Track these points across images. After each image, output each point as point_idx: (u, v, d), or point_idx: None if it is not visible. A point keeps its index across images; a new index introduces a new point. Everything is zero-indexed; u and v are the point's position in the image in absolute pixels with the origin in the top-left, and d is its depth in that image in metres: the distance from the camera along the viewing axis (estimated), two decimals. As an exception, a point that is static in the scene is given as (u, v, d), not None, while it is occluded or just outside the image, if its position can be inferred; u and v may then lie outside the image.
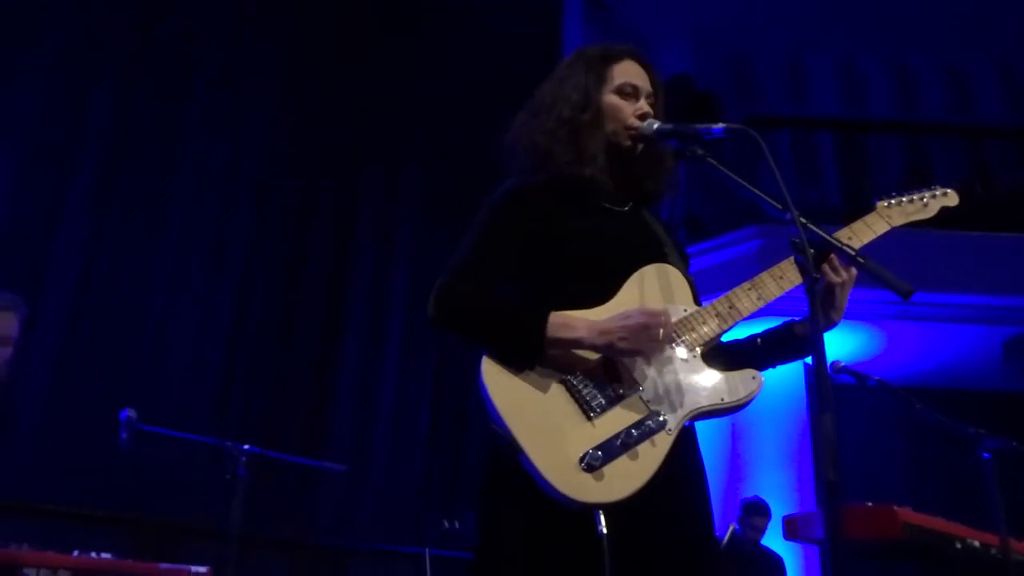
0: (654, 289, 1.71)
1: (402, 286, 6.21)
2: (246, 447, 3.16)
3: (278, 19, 6.13)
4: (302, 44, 6.20)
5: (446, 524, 4.20)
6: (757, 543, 5.01)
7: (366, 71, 6.42)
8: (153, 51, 5.51)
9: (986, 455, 2.67)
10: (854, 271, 1.66)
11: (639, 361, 1.61)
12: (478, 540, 1.62)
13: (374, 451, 5.80)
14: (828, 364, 2.96)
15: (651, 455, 1.54)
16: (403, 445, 5.91)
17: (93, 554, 2.87)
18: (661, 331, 1.57)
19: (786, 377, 6.18)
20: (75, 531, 4.28)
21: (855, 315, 6.09)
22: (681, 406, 1.60)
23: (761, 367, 1.71)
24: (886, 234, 1.84)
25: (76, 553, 2.86)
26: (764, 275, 1.75)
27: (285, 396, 5.55)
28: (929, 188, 1.90)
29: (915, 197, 1.88)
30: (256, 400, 5.41)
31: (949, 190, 1.90)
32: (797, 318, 1.78)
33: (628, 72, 1.84)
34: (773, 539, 4.71)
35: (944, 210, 1.90)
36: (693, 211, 7.00)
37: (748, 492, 5.45)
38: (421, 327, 5.92)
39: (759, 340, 1.80)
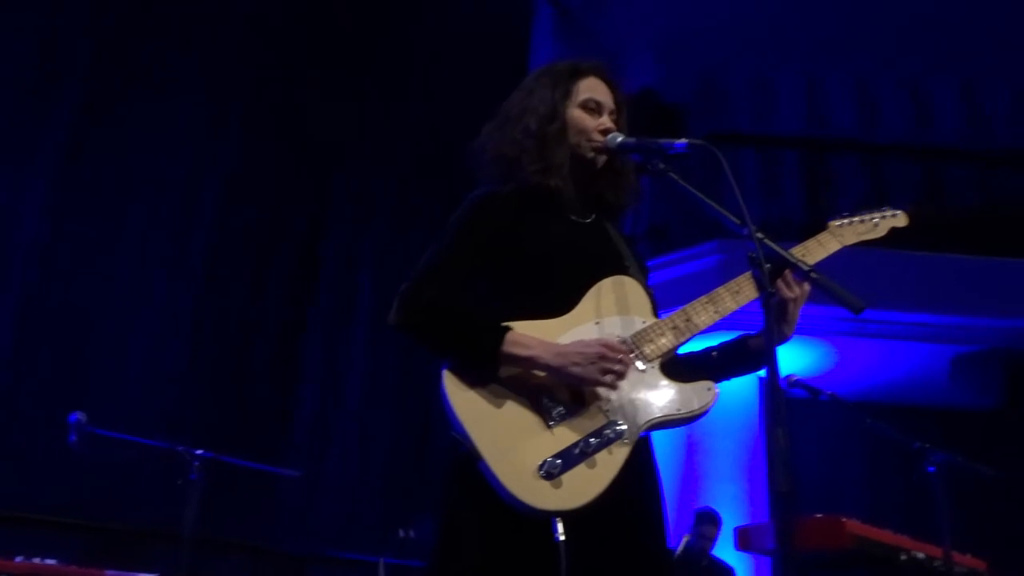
0: (613, 301, 1.74)
1: (368, 291, 6.17)
2: (199, 452, 3.12)
3: (248, 33, 6.06)
4: (272, 53, 6.14)
5: (402, 532, 4.18)
6: (707, 553, 5.07)
7: (335, 76, 6.38)
8: (120, 51, 5.41)
9: (932, 469, 2.75)
10: (807, 287, 1.70)
11: None
12: (435, 545, 1.64)
13: (335, 457, 5.75)
14: (782, 378, 3.02)
15: (608, 464, 1.56)
16: (365, 451, 5.87)
17: (37, 559, 2.81)
18: (616, 366, 1.59)
19: (740, 390, 6.28)
20: (26, 536, 4.17)
21: (810, 331, 6.22)
22: (638, 416, 1.63)
23: (716, 379, 1.74)
24: (841, 252, 1.87)
25: (20, 559, 2.80)
26: (721, 289, 1.78)
27: (246, 400, 5.47)
28: (880, 209, 1.94)
29: (866, 217, 1.92)
30: (216, 404, 5.32)
31: (899, 212, 1.95)
32: (752, 332, 1.82)
33: (593, 88, 1.88)
34: (726, 550, 4.77)
35: (894, 231, 1.94)
36: (657, 223, 7.08)
37: (703, 503, 5.52)
38: (386, 333, 5.86)
39: (714, 353, 1.84)
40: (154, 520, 4.25)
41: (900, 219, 1.95)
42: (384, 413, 6.01)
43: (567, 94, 1.86)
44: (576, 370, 1.58)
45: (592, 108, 1.85)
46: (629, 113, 1.94)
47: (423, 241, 1.80)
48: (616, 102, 1.90)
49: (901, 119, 8.93)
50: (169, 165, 5.49)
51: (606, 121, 1.85)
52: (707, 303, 1.76)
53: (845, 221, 1.91)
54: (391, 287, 1.73)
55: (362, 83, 6.49)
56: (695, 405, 1.67)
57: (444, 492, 1.67)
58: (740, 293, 1.77)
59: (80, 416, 3.07)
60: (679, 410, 1.66)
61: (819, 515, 3.13)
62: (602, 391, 1.62)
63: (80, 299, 4.94)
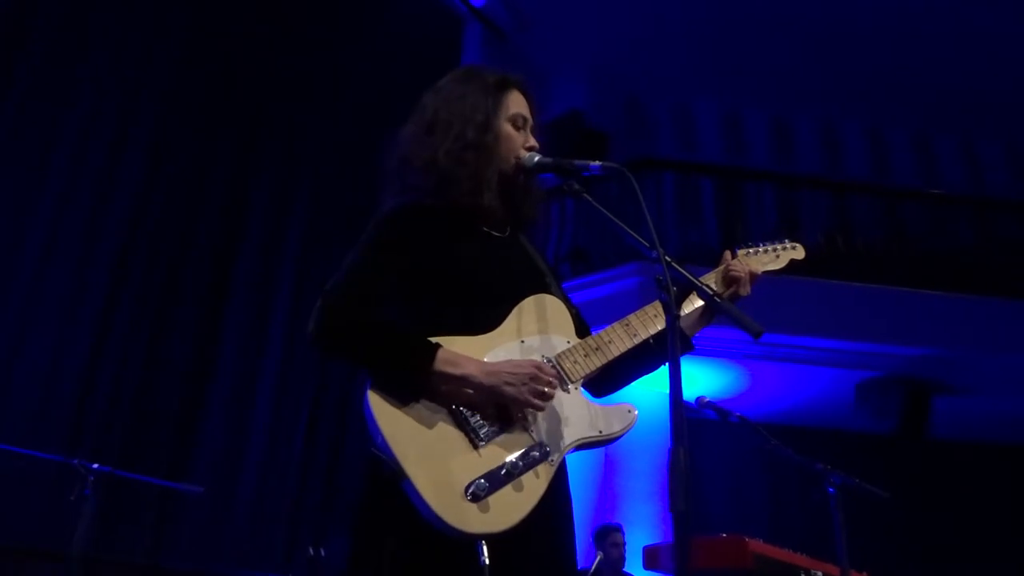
0: (535, 319, 1.75)
1: (284, 303, 6.00)
2: (95, 466, 2.97)
3: (171, 20, 5.89)
4: (195, 50, 5.97)
5: (311, 551, 4.08)
6: (620, 569, 5.11)
7: (258, 87, 6.26)
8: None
9: (831, 490, 2.85)
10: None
11: None
12: (350, 566, 1.59)
13: (244, 473, 5.55)
14: (694, 399, 3.09)
15: (534, 486, 1.57)
16: (274, 468, 5.69)
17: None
18: (546, 388, 1.60)
19: (658, 411, 6.36)
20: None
21: (724, 354, 6.38)
22: (563, 437, 1.64)
23: (646, 369, 1.81)
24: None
25: None
26: (639, 312, 1.81)
27: (151, 413, 5.24)
28: (781, 241, 2.03)
29: (769, 248, 2.00)
30: (118, 417, 5.08)
31: (798, 244, 2.04)
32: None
33: (519, 103, 1.87)
34: (635, 569, 4.81)
35: (793, 262, 2.02)
36: (579, 245, 7.16)
37: (618, 522, 5.53)
38: (301, 347, 5.74)
39: (651, 340, 1.81)
40: (41, 539, 4.02)
41: (799, 252, 2.04)
42: (295, 426, 5.85)
43: (498, 106, 1.83)
44: (509, 390, 1.58)
45: (519, 125, 1.85)
46: (555, 134, 1.94)
47: (342, 250, 1.76)
48: (532, 117, 1.90)
49: (814, 154, 9.35)
50: (79, 162, 5.26)
51: (532, 138, 1.85)
52: (626, 326, 1.79)
53: (751, 250, 1.99)
54: (308, 299, 1.68)
55: (286, 92, 6.39)
56: (615, 427, 1.71)
57: (360, 512, 1.62)
58: (658, 317, 1.79)
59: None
60: (601, 432, 1.69)
61: (723, 535, 3.20)
62: (529, 411, 1.62)
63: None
